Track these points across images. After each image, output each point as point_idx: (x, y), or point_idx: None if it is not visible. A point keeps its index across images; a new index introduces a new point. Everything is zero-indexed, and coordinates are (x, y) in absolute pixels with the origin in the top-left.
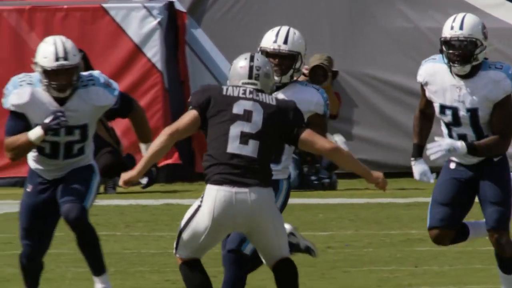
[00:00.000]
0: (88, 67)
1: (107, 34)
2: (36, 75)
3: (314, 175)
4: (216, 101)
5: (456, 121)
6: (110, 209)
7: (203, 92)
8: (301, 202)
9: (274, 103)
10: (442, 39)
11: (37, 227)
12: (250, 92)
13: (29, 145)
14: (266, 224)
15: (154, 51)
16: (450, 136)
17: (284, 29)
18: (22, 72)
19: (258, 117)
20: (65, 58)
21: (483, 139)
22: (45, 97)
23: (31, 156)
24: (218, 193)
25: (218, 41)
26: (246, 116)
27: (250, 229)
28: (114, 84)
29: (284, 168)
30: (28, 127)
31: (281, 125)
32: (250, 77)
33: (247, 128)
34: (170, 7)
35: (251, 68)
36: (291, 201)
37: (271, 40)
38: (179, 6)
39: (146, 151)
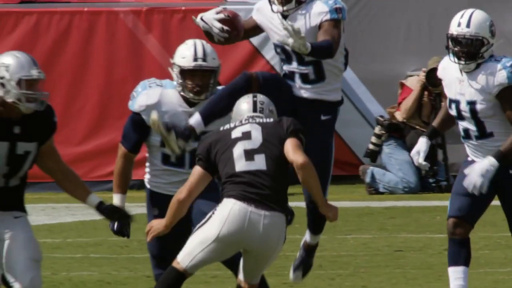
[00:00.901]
0: None
1: None
2: (166, 80)
3: (432, 178)
4: (216, 141)
5: (459, 114)
6: None
7: (202, 142)
8: (419, 205)
9: (271, 120)
10: (449, 35)
11: (169, 254)
12: (246, 119)
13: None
14: (267, 253)
15: (272, 53)
16: (460, 131)
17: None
18: (138, 73)
19: (257, 133)
20: (204, 59)
21: (505, 142)
22: (175, 97)
23: (149, 176)
24: (234, 206)
25: None
26: (245, 136)
27: (250, 250)
28: None
29: None
30: (143, 137)
31: (280, 135)
32: (254, 110)
33: (249, 145)
34: None
35: (255, 103)
36: (410, 203)
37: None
38: None
39: None
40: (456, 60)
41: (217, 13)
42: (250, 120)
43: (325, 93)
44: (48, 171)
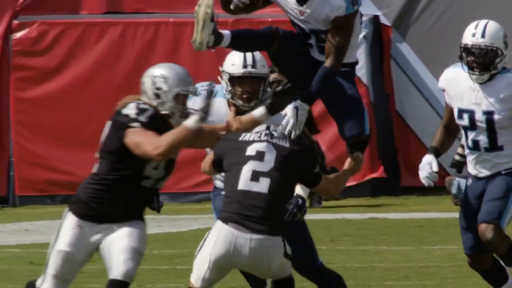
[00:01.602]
0: None
1: None
2: (219, 86)
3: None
4: (230, 152)
5: (472, 124)
6: (315, 224)
7: (219, 147)
8: None
9: (287, 145)
10: (463, 45)
11: None
12: (265, 135)
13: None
14: (260, 272)
15: (360, 65)
16: (467, 142)
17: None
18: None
19: (270, 158)
20: (253, 66)
21: None
22: (223, 107)
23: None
24: (221, 231)
25: (423, 55)
26: (258, 156)
27: (248, 270)
28: None
29: None
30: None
31: (294, 167)
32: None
33: (259, 167)
34: (375, 21)
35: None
36: None
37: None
38: (384, 20)
39: None
40: (469, 70)
41: None
42: (268, 138)
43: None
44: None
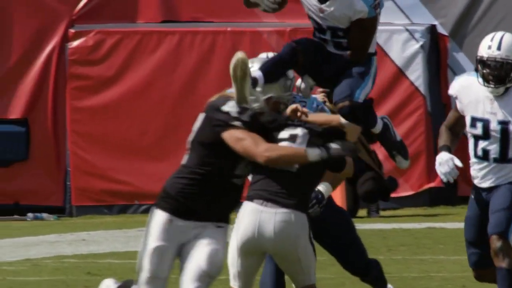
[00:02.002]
0: None
1: None
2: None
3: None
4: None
5: (486, 134)
6: (373, 233)
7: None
8: None
9: (319, 129)
10: (478, 57)
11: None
12: (299, 120)
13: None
14: (290, 251)
15: (416, 75)
16: (475, 151)
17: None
18: None
19: (302, 139)
20: None
21: None
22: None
23: None
24: (246, 208)
25: None
26: (291, 138)
27: (274, 252)
28: None
29: None
30: None
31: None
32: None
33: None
34: (432, 30)
35: None
36: None
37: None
38: (441, 30)
39: None
40: (484, 83)
41: None
42: (303, 125)
43: None
44: None
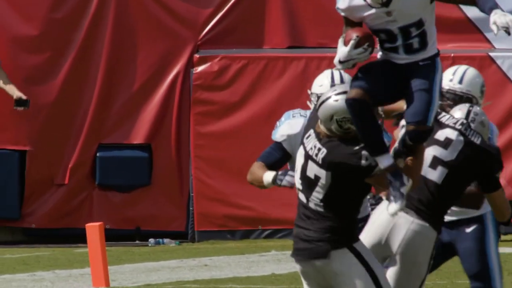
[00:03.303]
0: None
1: (493, 83)
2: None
3: None
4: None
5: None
6: None
7: None
8: None
9: (479, 142)
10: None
11: None
12: (461, 124)
13: (260, 184)
14: (409, 260)
15: None
16: None
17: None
18: None
19: (454, 149)
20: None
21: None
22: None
23: None
24: (383, 209)
25: None
26: (444, 144)
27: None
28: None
29: None
30: (282, 161)
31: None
32: None
33: (441, 154)
34: None
35: None
36: None
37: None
38: None
39: None
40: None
41: (348, 43)
42: (463, 129)
43: (425, 55)
44: None
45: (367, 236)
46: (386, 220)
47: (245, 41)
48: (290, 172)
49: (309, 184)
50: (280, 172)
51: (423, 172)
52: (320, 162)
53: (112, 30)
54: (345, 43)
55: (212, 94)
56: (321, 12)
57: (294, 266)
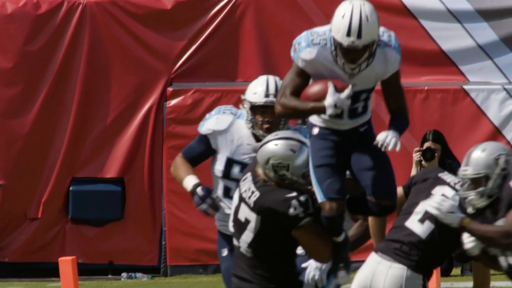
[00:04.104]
0: (446, 149)
1: (467, 116)
2: (242, 111)
3: None
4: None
5: None
6: None
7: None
8: None
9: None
10: None
11: None
12: (461, 186)
13: (181, 184)
14: None
15: None
16: None
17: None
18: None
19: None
20: (276, 96)
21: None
22: (244, 131)
23: (217, 217)
24: (369, 258)
25: None
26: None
27: None
28: None
29: None
30: (204, 155)
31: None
32: None
33: (430, 209)
34: None
35: None
36: None
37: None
38: None
39: None
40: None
41: (342, 91)
42: (459, 188)
43: (365, 119)
44: None
45: (353, 285)
46: (368, 268)
47: (218, 74)
48: (212, 195)
49: (240, 227)
50: (201, 188)
51: (410, 226)
52: (251, 205)
53: (86, 63)
54: (339, 90)
55: (186, 128)
56: None
57: None
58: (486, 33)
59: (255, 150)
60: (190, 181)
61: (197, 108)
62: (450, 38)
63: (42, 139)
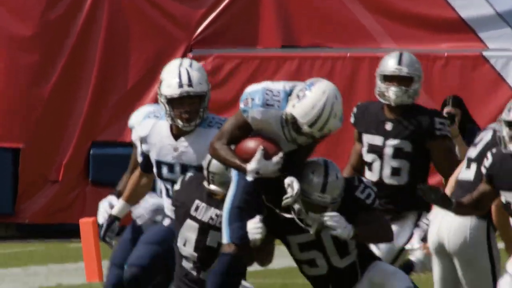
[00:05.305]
0: (466, 114)
1: (486, 82)
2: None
3: None
4: None
5: None
6: None
7: None
8: None
9: None
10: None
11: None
12: None
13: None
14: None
15: None
16: None
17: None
18: None
19: None
20: (189, 85)
21: None
22: (164, 130)
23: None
24: None
25: None
26: None
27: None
28: None
29: None
30: (149, 162)
31: None
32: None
33: None
34: None
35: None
36: None
37: None
38: None
39: None
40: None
41: (272, 158)
42: None
43: None
44: None
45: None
46: (435, 224)
47: (238, 41)
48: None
49: (210, 254)
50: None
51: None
52: None
53: (105, 30)
54: (268, 157)
55: None
56: (315, 12)
57: (287, 261)
58: (504, 0)
59: (175, 149)
60: (116, 208)
61: (217, 74)
62: (469, 6)
63: (62, 104)
